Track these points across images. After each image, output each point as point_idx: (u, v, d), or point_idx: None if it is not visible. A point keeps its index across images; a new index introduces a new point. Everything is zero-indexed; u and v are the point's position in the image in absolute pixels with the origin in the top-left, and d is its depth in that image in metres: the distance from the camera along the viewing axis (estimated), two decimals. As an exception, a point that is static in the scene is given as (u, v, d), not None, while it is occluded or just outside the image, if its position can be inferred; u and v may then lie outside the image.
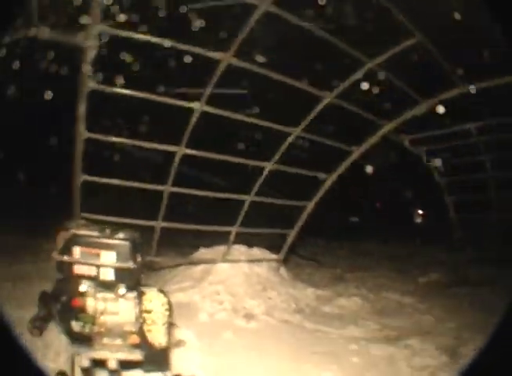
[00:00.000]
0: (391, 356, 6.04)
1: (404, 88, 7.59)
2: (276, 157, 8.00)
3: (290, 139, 7.85)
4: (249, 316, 7.17)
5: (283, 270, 9.20)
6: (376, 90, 8.05)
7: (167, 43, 6.05)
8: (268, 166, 8.03)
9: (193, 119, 6.81)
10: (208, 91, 6.58)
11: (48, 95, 8.42)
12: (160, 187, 7.42)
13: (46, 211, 13.24)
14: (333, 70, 7.69)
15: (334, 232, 16.77)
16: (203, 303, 7.37)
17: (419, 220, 23.38)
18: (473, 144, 10.51)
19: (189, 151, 7.13)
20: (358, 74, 7.20)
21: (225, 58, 6.24)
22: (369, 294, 9.21)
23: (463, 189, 11.85)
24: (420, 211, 23.31)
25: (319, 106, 7.52)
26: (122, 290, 2.59)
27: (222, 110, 7.10)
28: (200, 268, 8.31)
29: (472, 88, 7.73)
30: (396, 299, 8.92)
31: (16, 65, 6.80)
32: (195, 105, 6.71)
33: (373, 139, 8.52)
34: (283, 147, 7.91)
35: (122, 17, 6.21)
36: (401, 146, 10.65)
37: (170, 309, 2.68)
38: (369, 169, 8.68)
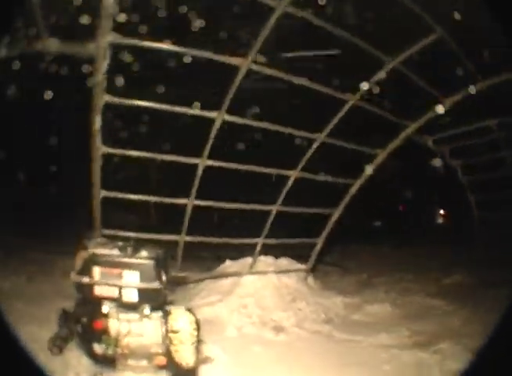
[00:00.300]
0: (422, 362, 5.88)
1: (426, 86, 7.41)
2: (301, 164, 7.77)
3: (315, 146, 7.61)
4: (278, 329, 7.04)
5: (310, 279, 9.05)
6: (398, 90, 7.90)
7: (181, 50, 5.86)
8: (294, 174, 7.80)
9: (214, 129, 6.56)
10: (228, 99, 6.32)
11: (48, 95, 8.38)
12: (182, 201, 7.18)
13: (61, 227, 13.33)
14: (353, 72, 7.57)
15: (354, 236, 16.64)
16: (231, 317, 7.24)
17: (440, 220, 23.33)
18: (494, 140, 10.34)
19: (211, 162, 6.88)
20: (381, 74, 7.01)
21: (244, 63, 6.00)
22: (398, 299, 9.06)
23: (486, 188, 11.67)
24: (442, 212, 23.24)
25: (344, 109, 7.29)
26: (147, 310, 2.51)
27: (243, 119, 6.92)
28: (227, 281, 8.15)
29: (472, 89, 7.62)
30: (424, 303, 8.76)
31: (17, 65, 6.65)
32: (214, 114, 6.43)
33: (397, 141, 8.32)
34: (309, 154, 7.69)
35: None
36: (424, 146, 10.49)
37: (198, 328, 2.62)
38: (368, 170, 8.46)
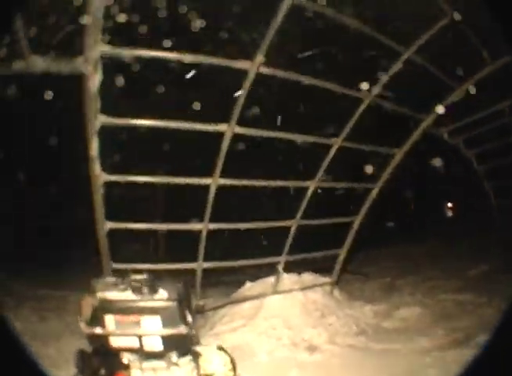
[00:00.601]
0: (467, 359, 5.57)
1: (441, 75, 7.11)
2: (319, 174, 7.31)
3: (332, 151, 7.13)
4: (311, 348, 6.71)
5: (336, 292, 8.74)
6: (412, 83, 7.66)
7: (180, 57, 5.28)
8: (312, 185, 7.35)
9: (225, 144, 5.94)
10: (238, 109, 5.72)
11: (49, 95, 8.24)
12: (198, 226, 6.67)
13: (70, 262, 13.19)
14: (364, 68, 7.29)
15: (369, 241, 16.42)
16: (260, 341, 6.86)
17: (450, 214, 23.23)
18: (505, 125, 10.06)
19: (224, 181, 6.32)
20: (398, 66, 6.59)
21: (254, 66, 5.43)
22: (425, 299, 8.92)
23: (501, 175, 11.44)
24: (450, 205, 23.13)
25: (360, 109, 6.83)
26: (174, 357, 2.15)
27: (256, 131, 6.43)
28: (248, 304, 7.77)
29: (472, 89, 7.57)
30: (453, 299, 8.66)
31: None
32: (224, 128, 5.82)
33: (414, 137, 7.92)
34: (327, 161, 7.23)
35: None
36: (440, 139, 10.24)
37: (234, 368, 2.28)
38: (369, 169, 8.18)
